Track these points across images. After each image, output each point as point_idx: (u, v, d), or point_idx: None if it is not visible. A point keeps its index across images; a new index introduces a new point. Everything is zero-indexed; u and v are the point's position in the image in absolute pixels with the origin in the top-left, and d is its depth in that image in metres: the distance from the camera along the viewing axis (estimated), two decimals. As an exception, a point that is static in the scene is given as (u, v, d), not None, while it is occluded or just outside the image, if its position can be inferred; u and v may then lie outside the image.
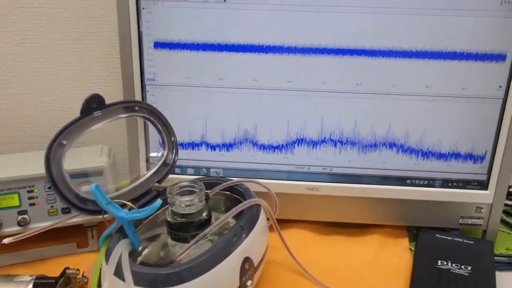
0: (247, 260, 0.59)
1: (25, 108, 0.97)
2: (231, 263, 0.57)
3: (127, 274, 0.51)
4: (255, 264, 0.62)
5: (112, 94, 0.96)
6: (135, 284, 0.51)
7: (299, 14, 0.73)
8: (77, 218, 0.72)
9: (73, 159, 0.60)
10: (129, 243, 0.58)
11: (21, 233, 0.65)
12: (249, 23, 0.74)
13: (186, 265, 0.53)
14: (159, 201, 0.57)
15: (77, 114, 0.99)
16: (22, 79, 0.95)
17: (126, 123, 0.79)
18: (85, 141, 0.98)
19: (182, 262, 0.56)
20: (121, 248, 0.55)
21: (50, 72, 0.95)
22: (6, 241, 0.63)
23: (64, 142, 0.57)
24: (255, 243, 0.62)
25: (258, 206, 0.66)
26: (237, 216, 0.64)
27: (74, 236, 0.79)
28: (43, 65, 0.94)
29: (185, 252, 0.57)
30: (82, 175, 0.74)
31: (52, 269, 0.71)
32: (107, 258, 0.55)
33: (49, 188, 0.73)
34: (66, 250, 0.78)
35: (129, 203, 0.62)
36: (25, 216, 0.72)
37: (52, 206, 0.74)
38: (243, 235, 0.60)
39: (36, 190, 0.72)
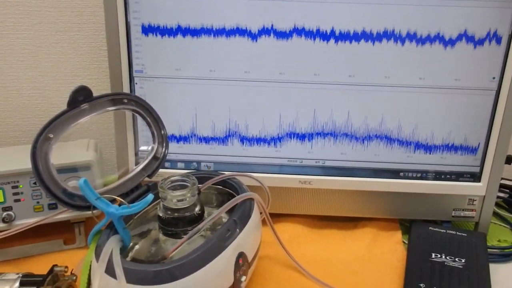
0: (241, 255, 0.59)
1: (7, 102, 0.95)
2: (225, 259, 0.56)
3: (119, 271, 0.50)
4: (249, 259, 0.61)
5: (98, 87, 0.94)
6: (128, 281, 0.50)
7: (291, 3, 0.72)
8: (64, 214, 0.70)
9: (59, 154, 0.59)
10: (119, 239, 0.56)
11: (6, 230, 0.64)
12: (240, 11, 0.72)
13: (180, 262, 0.52)
14: (150, 196, 0.56)
15: (61, 107, 0.97)
16: (4, 72, 0.93)
17: (114, 117, 0.77)
18: (70, 135, 0.96)
19: (174, 258, 0.54)
20: (112, 245, 0.54)
21: (33, 64, 0.93)
22: (-9, 238, 0.61)
23: (51, 136, 0.56)
24: (249, 238, 0.61)
25: (251, 200, 0.65)
26: (229, 211, 0.62)
27: (60, 232, 0.78)
28: (25, 57, 0.92)
29: (178, 248, 0.56)
30: (69, 169, 0.72)
31: (39, 267, 0.70)
32: (97, 255, 0.54)
33: (34, 183, 0.71)
34: (53, 247, 0.76)
35: (118, 198, 0.60)
36: (10, 212, 0.71)
37: (38, 202, 0.72)
38: (237, 230, 0.59)
39: (21, 186, 0.71)
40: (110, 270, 0.51)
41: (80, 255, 0.73)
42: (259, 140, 0.79)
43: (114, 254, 0.52)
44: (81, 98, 0.59)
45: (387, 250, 0.77)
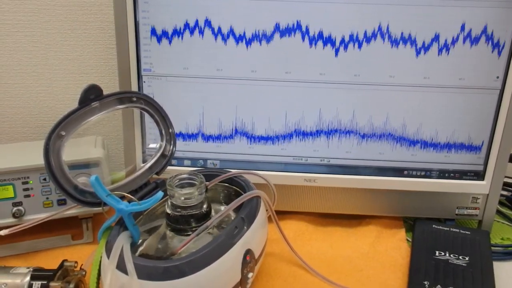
0: (248, 252, 0.59)
1: (15, 98, 0.96)
2: (234, 256, 0.57)
3: (130, 267, 0.51)
4: (256, 256, 0.62)
5: (105, 85, 0.94)
6: (138, 277, 0.51)
7: (297, 4, 0.72)
8: (73, 210, 0.71)
9: (68, 150, 0.59)
10: (129, 235, 0.57)
11: (16, 224, 0.64)
12: (246, 12, 0.73)
13: (189, 258, 0.52)
14: (160, 193, 0.56)
15: (68, 104, 0.98)
16: (12, 69, 0.93)
17: (122, 114, 0.78)
18: (77, 132, 0.98)
19: (182, 254, 0.55)
20: (122, 241, 0.55)
21: (41, 62, 0.94)
22: (2, 233, 0.62)
23: (63, 133, 0.57)
24: (256, 235, 0.62)
25: (258, 198, 0.66)
26: (236, 208, 0.63)
27: (68, 228, 0.79)
28: (34, 54, 0.93)
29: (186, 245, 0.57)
30: (78, 166, 0.73)
31: (47, 261, 0.71)
32: (108, 251, 0.55)
33: (44, 179, 0.72)
34: (61, 242, 0.77)
35: (128, 195, 0.61)
36: (20, 207, 0.72)
37: (47, 198, 0.73)
38: (245, 227, 0.60)
39: (31, 182, 0.72)
40: (121, 266, 0.52)
41: (87, 251, 0.74)
42: (265, 139, 0.80)
43: (125, 250, 0.53)
44: (92, 96, 0.60)
45: (391, 248, 0.78)
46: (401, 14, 0.72)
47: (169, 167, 0.72)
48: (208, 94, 0.78)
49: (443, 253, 0.72)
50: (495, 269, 0.69)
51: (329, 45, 0.74)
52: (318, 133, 0.79)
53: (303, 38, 0.74)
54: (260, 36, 0.74)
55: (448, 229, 0.78)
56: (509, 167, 0.79)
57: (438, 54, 0.74)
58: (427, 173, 0.80)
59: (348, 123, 0.78)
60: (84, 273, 0.64)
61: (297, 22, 0.73)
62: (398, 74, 0.75)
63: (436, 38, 0.73)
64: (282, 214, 0.84)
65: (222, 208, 0.69)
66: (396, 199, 0.82)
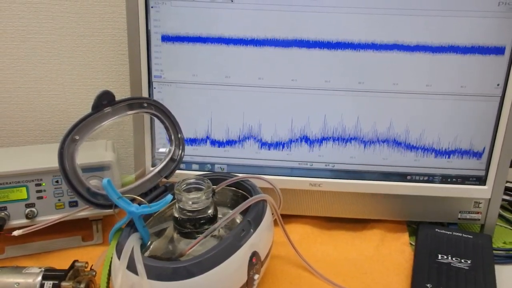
0: (254, 254, 0.60)
1: (28, 102, 0.98)
2: (240, 258, 0.58)
3: (140, 268, 0.52)
4: (262, 258, 0.63)
5: (115, 90, 0.94)
6: (148, 277, 0.52)
7: (304, 14, 0.74)
8: (84, 212, 0.73)
9: (80, 154, 0.61)
10: (139, 237, 0.59)
11: (29, 225, 0.66)
12: (255, 22, 0.75)
13: (197, 259, 0.54)
14: (170, 196, 0.58)
15: (79, 108, 1.00)
16: (26, 74, 0.95)
17: (132, 120, 0.80)
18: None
19: (189, 256, 0.56)
20: (133, 242, 0.56)
21: (54, 67, 0.96)
22: (16, 233, 0.64)
23: (77, 138, 0.58)
24: (262, 237, 0.63)
25: (264, 201, 0.67)
26: (242, 212, 0.64)
27: (79, 229, 0.80)
28: (47, 60, 0.95)
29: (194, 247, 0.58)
30: (90, 169, 0.75)
31: (57, 262, 0.72)
32: (118, 252, 0.56)
33: (56, 181, 0.74)
34: (72, 243, 0.79)
35: (139, 198, 0.63)
36: (33, 209, 0.73)
37: (59, 200, 0.75)
38: (251, 230, 0.61)
39: (44, 184, 0.73)
40: (131, 267, 0.54)
41: (97, 252, 0.75)
42: (271, 144, 0.81)
43: (136, 251, 0.54)
44: (105, 102, 0.61)
45: (395, 251, 0.79)
46: (404, 23, 0.73)
47: (177, 171, 0.74)
48: (216, 100, 0.79)
49: (445, 257, 0.73)
50: (497, 272, 0.70)
51: (334, 53, 0.75)
52: (323, 138, 0.80)
53: (308, 46, 0.75)
54: (267, 44, 0.76)
55: (450, 233, 0.79)
56: (510, 172, 0.80)
57: (440, 63, 0.75)
58: (430, 178, 0.81)
59: (353, 129, 0.79)
60: (94, 273, 0.65)
61: (303, 30, 0.75)
62: (401, 81, 0.76)
63: (439, 46, 0.74)
64: (287, 217, 0.85)
65: (229, 211, 0.70)
66: (400, 204, 0.83)
